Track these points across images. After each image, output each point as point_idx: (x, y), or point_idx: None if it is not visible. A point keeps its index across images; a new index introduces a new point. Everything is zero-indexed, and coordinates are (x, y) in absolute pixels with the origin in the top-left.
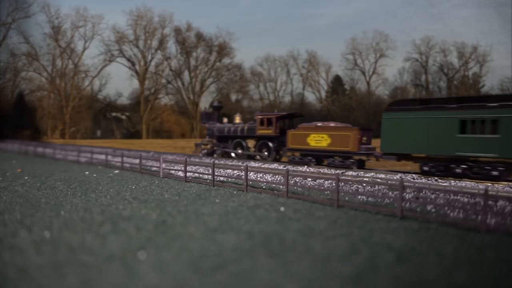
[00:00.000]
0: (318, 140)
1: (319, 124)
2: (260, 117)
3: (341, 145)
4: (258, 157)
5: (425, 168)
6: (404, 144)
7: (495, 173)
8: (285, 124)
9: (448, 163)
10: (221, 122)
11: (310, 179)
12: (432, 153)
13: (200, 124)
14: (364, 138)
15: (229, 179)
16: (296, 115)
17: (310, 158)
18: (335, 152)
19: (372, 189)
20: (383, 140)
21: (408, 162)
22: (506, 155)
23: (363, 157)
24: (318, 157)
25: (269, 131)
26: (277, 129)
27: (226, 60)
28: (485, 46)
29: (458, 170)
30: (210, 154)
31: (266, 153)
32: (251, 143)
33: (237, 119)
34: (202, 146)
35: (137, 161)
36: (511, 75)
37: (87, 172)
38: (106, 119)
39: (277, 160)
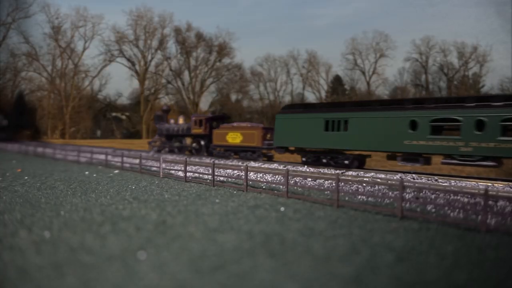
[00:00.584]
0: (234, 138)
1: (235, 124)
2: (194, 118)
3: (249, 142)
4: (193, 150)
5: (303, 159)
6: (289, 139)
7: (346, 162)
8: (214, 124)
9: (319, 155)
10: (169, 123)
11: (310, 179)
12: (308, 147)
13: (153, 124)
14: (268, 135)
15: (229, 179)
16: (224, 117)
17: (230, 152)
18: (245, 147)
19: (372, 189)
20: (275, 136)
21: (293, 155)
22: (353, 148)
23: (264, 151)
24: (235, 151)
25: (200, 130)
26: (206, 129)
27: (226, 60)
28: (485, 46)
29: (324, 160)
30: (159, 150)
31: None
32: (188, 140)
33: (181, 120)
34: (153, 144)
35: (137, 161)
36: (511, 75)
37: (87, 172)
38: (106, 119)
39: (209, 154)
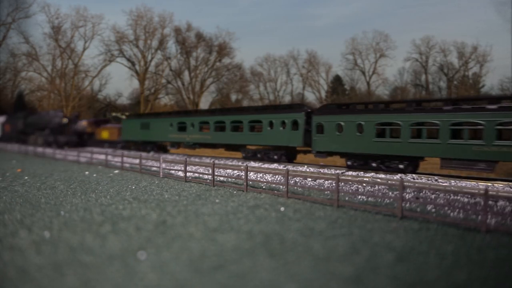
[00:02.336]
0: (105, 134)
1: (108, 125)
2: (86, 122)
3: (111, 137)
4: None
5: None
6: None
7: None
8: (98, 125)
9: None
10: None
11: (310, 179)
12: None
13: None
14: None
15: (229, 179)
16: (105, 120)
17: (107, 144)
18: (111, 141)
19: (372, 189)
20: (122, 134)
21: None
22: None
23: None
24: (111, 145)
25: (89, 130)
26: (92, 128)
27: (226, 60)
28: (485, 46)
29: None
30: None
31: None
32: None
33: (84, 123)
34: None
35: (137, 161)
36: (511, 75)
37: (87, 172)
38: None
39: (91, 145)
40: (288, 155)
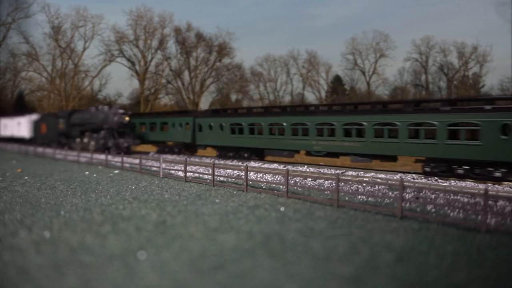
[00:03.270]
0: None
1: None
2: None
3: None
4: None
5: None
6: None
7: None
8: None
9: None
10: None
11: (310, 179)
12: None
13: None
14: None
15: (229, 179)
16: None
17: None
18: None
19: (372, 189)
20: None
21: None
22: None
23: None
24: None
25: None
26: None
27: (226, 60)
28: (485, 46)
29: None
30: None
31: None
32: None
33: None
34: None
35: (137, 161)
36: (511, 75)
37: (87, 172)
38: None
39: None
40: (186, 148)
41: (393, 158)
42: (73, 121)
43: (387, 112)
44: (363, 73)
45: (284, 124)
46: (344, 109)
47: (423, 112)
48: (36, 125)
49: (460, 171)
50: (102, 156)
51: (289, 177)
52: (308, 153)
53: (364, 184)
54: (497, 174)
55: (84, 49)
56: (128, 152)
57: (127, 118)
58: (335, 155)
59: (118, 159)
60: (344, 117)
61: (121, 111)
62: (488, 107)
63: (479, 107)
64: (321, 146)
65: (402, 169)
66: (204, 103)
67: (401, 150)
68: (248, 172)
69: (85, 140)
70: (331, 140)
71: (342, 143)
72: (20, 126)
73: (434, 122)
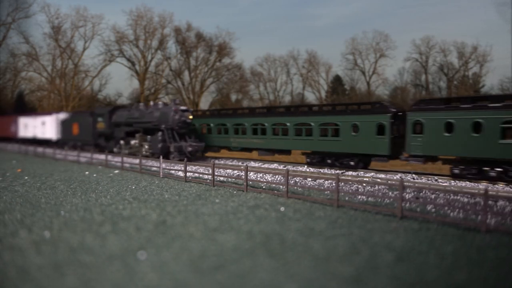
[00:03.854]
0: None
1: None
2: None
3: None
4: None
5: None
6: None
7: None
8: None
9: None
10: None
11: (310, 179)
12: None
13: None
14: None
15: (229, 179)
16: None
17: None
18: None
19: (372, 189)
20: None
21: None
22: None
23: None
24: None
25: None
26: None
27: (226, 60)
28: (485, 46)
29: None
30: None
31: None
32: None
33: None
34: None
35: (137, 161)
36: (511, 75)
37: (87, 172)
38: None
39: None
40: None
41: (288, 152)
42: (117, 120)
43: (281, 115)
44: (363, 73)
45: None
46: (254, 112)
47: (304, 115)
48: (65, 125)
49: (329, 161)
50: (102, 156)
51: (289, 177)
52: (228, 148)
53: (364, 184)
54: (352, 163)
55: (84, 49)
56: (191, 156)
57: (190, 117)
58: (248, 149)
59: (118, 159)
60: (251, 119)
61: (182, 107)
62: (346, 110)
63: (341, 110)
64: (237, 143)
65: (401, 169)
66: (204, 103)
67: (292, 145)
68: (248, 172)
69: (134, 142)
70: (243, 137)
71: (251, 140)
72: (45, 126)
73: (311, 123)
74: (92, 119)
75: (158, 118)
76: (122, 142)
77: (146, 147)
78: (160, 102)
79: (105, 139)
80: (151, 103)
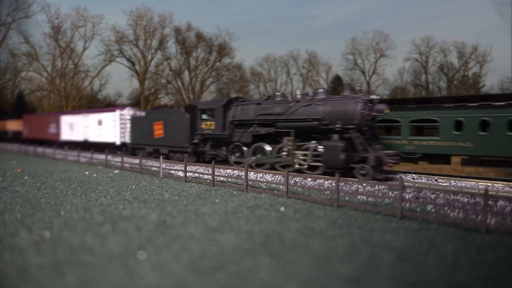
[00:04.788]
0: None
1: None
2: None
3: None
4: None
5: None
6: None
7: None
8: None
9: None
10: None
11: (310, 179)
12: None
13: None
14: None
15: (229, 179)
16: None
17: None
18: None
19: (372, 189)
20: None
21: None
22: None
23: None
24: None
25: None
26: None
27: (226, 60)
28: (485, 46)
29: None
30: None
31: None
32: None
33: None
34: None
35: (137, 161)
36: (511, 75)
37: (87, 172)
38: None
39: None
40: None
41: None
42: (239, 117)
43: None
44: (363, 73)
45: None
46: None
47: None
48: (138, 125)
49: None
50: (102, 156)
51: (289, 177)
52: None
53: (364, 184)
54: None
55: (84, 49)
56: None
57: (386, 110)
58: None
59: (118, 159)
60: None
61: (373, 97)
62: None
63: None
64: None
65: (401, 169)
66: None
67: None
68: (248, 172)
69: (279, 149)
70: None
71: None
72: (102, 127)
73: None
74: (189, 117)
75: (331, 113)
76: (245, 149)
77: (306, 157)
78: (320, 89)
79: (212, 144)
80: (297, 91)
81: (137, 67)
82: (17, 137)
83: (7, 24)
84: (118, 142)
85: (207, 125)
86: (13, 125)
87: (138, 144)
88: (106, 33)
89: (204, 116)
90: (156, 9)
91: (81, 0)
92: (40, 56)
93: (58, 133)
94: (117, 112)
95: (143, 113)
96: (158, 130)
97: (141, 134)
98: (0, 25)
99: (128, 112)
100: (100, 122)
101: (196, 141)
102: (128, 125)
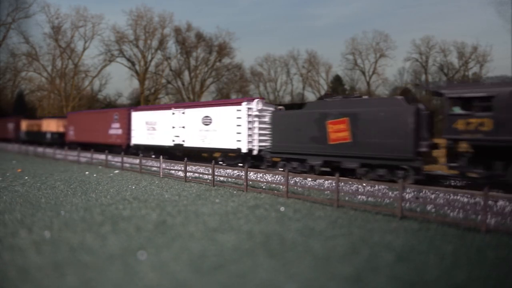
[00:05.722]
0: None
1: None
2: None
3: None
4: None
5: None
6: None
7: None
8: None
9: None
10: None
11: (310, 179)
12: None
13: None
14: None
15: (229, 179)
16: None
17: None
18: None
19: (372, 189)
20: None
21: None
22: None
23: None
24: None
25: None
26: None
27: (226, 60)
28: (485, 46)
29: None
30: None
31: None
32: None
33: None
34: None
35: (137, 161)
36: (511, 75)
37: (87, 172)
38: None
39: None
40: None
41: None
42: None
43: None
44: (363, 73)
45: None
46: None
47: None
48: (288, 124)
49: None
50: (102, 156)
51: (289, 177)
52: None
53: (364, 184)
54: None
55: (84, 49)
56: None
57: None
58: None
59: (118, 159)
60: None
61: None
62: None
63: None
64: None
65: None
66: None
67: None
68: (248, 172)
69: None
70: None
71: None
72: (213, 127)
73: None
74: (414, 110)
75: None
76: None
77: None
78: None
79: (476, 157)
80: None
81: (137, 67)
82: (58, 141)
83: (7, 24)
84: (244, 149)
85: (466, 124)
86: (51, 125)
87: (289, 153)
88: (106, 33)
89: (457, 110)
90: (156, 9)
91: (81, 0)
92: (40, 56)
93: (125, 136)
94: (244, 106)
95: (279, 107)
96: (338, 131)
97: (297, 137)
98: (0, 25)
99: (256, 106)
100: (207, 120)
101: (424, 149)
102: (258, 125)
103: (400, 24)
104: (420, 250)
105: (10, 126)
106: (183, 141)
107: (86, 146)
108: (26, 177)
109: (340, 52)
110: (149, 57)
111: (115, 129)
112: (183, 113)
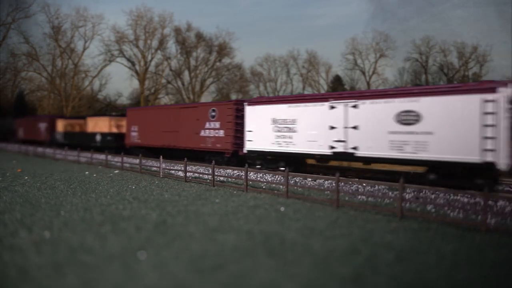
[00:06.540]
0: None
1: None
2: None
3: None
4: None
5: None
6: None
7: None
8: None
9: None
10: None
11: (310, 179)
12: None
13: None
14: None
15: (229, 179)
16: None
17: None
18: None
19: (372, 189)
20: None
21: None
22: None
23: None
24: None
25: None
26: None
27: (226, 60)
28: (485, 46)
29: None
30: None
31: None
32: None
33: None
34: None
35: (137, 161)
36: (511, 75)
37: (87, 172)
38: None
39: None
40: None
41: None
42: None
43: None
44: (363, 73)
45: None
46: None
47: None
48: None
49: None
50: (102, 156)
51: (289, 177)
52: None
53: (364, 184)
54: None
55: (84, 49)
56: None
57: None
58: None
59: (118, 159)
60: None
61: None
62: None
63: None
64: None
65: (401, 169)
66: None
67: None
68: (248, 172)
69: None
70: None
71: None
72: (431, 127)
73: None
74: None
75: None
76: None
77: None
78: None
79: None
80: None
81: (137, 67)
82: (113, 145)
83: (7, 24)
84: (503, 164)
85: None
86: (101, 125)
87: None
88: (106, 33)
89: None
90: (156, 9)
91: (81, 0)
92: (40, 56)
93: (230, 139)
94: (500, 95)
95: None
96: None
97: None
98: (0, 25)
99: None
100: (409, 117)
101: None
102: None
103: (400, 24)
104: (420, 250)
105: (42, 126)
106: (354, 148)
107: (159, 152)
108: (26, 177)
109: (340, 52)
110: (149, 57)
111: (213, 130)
112: (354, 106)
